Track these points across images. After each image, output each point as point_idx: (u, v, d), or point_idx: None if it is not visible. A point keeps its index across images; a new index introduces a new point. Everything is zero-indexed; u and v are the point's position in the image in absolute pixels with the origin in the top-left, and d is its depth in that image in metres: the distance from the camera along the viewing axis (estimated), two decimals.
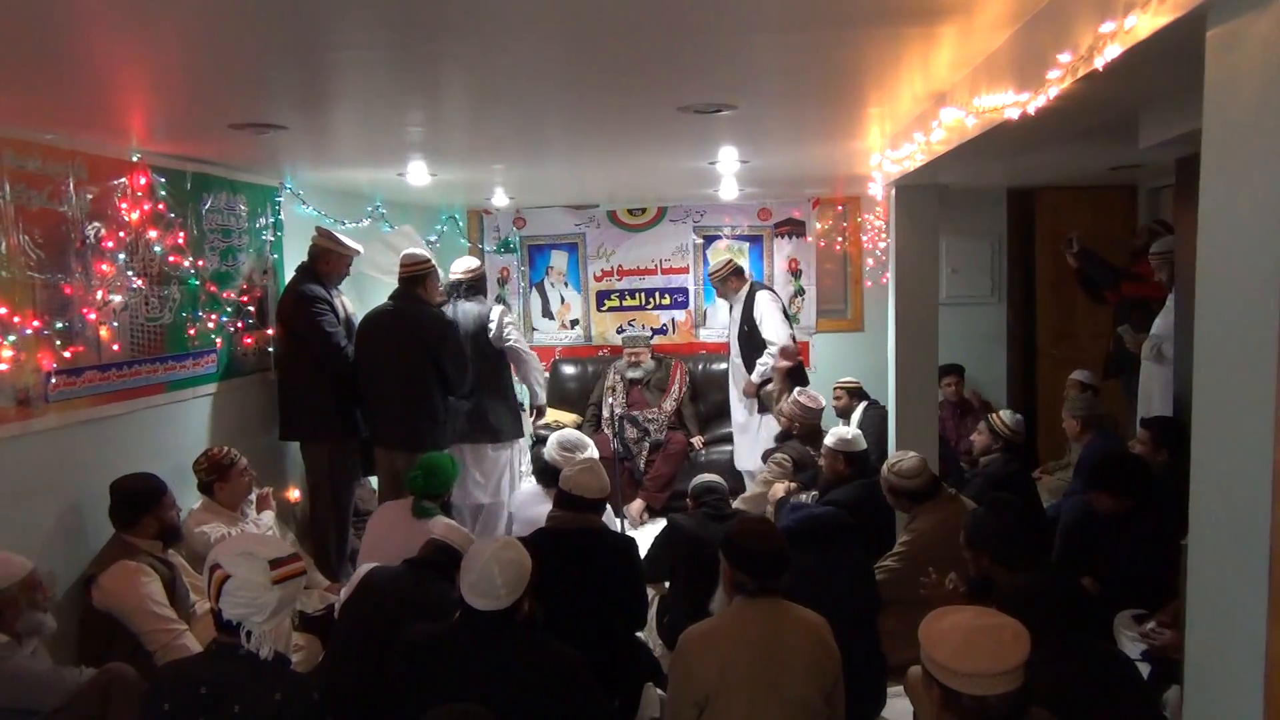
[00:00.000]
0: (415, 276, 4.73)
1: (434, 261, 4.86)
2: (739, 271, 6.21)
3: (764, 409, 5.86)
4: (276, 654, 2.26)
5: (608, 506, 4.27)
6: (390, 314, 4.67)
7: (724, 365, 6.67)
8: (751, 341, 5.92)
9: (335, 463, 4.57)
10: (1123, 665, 2.67)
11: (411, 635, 2.55)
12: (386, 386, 4.58)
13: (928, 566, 3.41)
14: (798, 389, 5.56)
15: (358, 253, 4.70)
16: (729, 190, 6.28)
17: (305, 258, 4.63)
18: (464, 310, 5.09)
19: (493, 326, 5.04)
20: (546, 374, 5.42)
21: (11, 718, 2.66)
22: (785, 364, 5.76)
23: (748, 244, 7.21)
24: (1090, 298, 5.93)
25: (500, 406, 5.11)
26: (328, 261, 4.58)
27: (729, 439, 6.42)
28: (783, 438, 5.55)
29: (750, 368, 5.97)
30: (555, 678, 2.44)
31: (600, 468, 3.64)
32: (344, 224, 5.13)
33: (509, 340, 5.11)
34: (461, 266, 5.26)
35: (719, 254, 7.20)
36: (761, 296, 5.95)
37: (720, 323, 7.16)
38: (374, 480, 5.09)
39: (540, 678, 2.42)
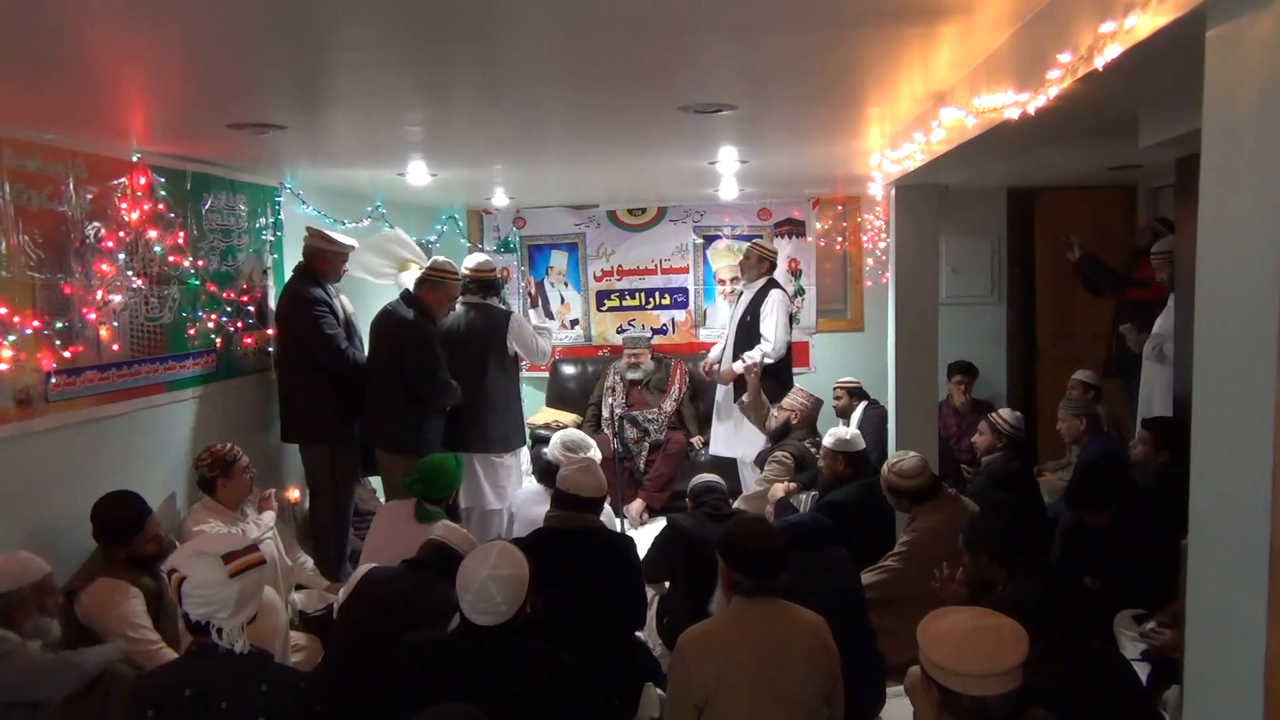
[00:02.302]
0: (420, 279, 4.70)
1: (452, 272, 4.75)
2: (773, 264, 6.19)
3: (739, 400, 5.87)
4: (254, 648, 2.26)
5: (607, 506, 4.27)
6: (386, 314, 4.67)
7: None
8: (750, 332, 5.90)
9: (336, 464, 4.55)
10: (1119, 665, 2.67)
11: (412, 640, 2.54)
12: (373, 386, 4.57)
13: (928, 566, 3.41)
14: (798, 384, 5.65)
15: (353, 248, 4.68)
16: (729, 190, 6.28)
17: (301, 258, 4.61)
18: (471, 315, 4.95)
19: (512, 342, 4.93)
20: (546, 350, 5.29)
21: (17, 712, 2.65)
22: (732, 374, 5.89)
23: (748, 244, 7.21)
24: (1091, 293, 5.93)
25: (509, 417, 5.02)
26: (325, 261, 4.52)
27: None
28: (779, 435, 5.55)
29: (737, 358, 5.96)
30: (556, 686, 2.43)
31: (597, 467, 3.64)
32: (344, 224, 5.12)
33: (527, 351, 4.99)
34: (469, 263, 5.10)
35: (720, 254, 7.23)
36: (775, 294, 5.91)
37: (720, 323, 7.16)
38: (374, 480, 5.10)
39: (541, 686, 2.41)
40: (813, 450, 5.34)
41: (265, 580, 2.42)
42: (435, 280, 4.68)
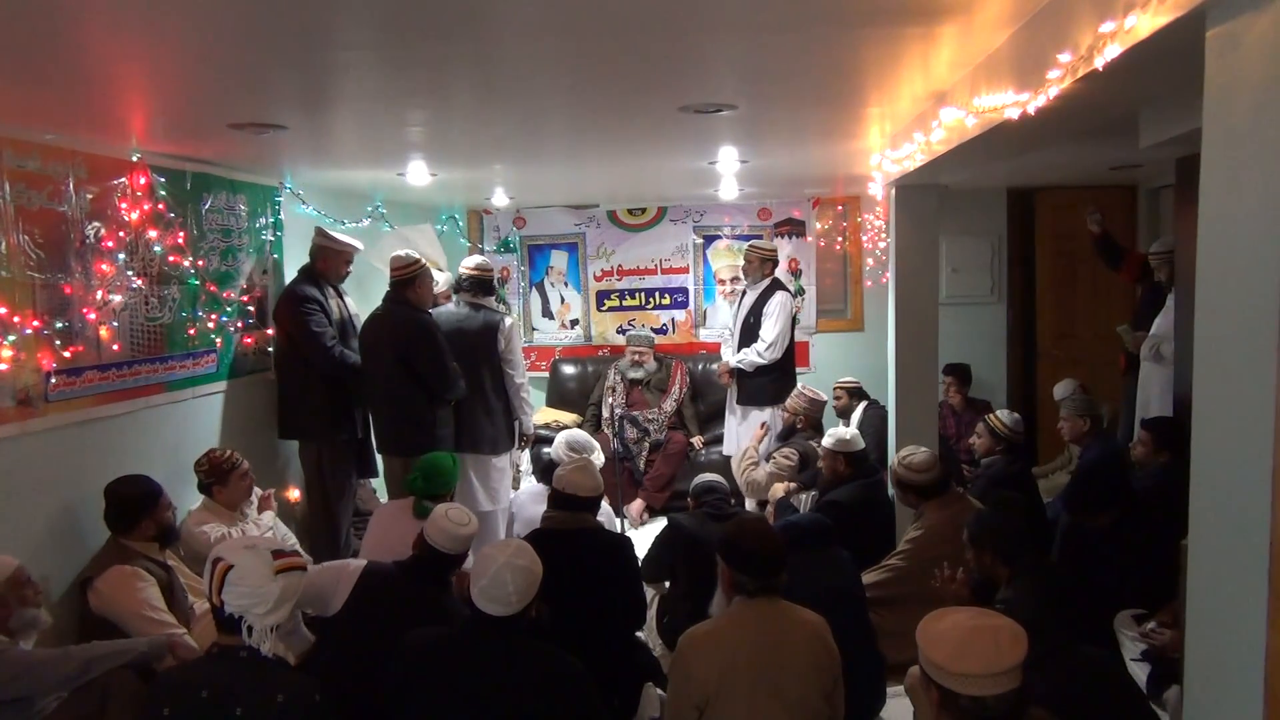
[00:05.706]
0: (403, 280, 4.63)
1: (423, 262, 4.72)
2: (775, 263, 6.18)
3: (744, 400, 5.86)
4: (277, 656, 2.26)
5: (608, 507, 4.27)
6: (378, 318, 4.61)
7: None
8: (753, 335, 5.91)
9: (325, 462, 4.55)
10: (1117, 667, 2.67)
11: (414, 638, 2.53)
12: (377, 392, 4.55)
13: (933, 564, 3.41)
14: (801, 384, 5.61)
15: (356, 249, 4.68)
16: (729, 190, 6.28)
17: (306, 258, 4.64)
18: (466, 313, 4.94)
19: (502, 341, 4.93)
20: (532, 407, 5.26)
21: (10, 710, 2.65)
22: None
23: (748, 244, 7.20)
24: (1108, 265, 5.92)
25: (501, 418, 5.00)
26: (325, 259, 4.60)
27: None
28: (786, 434, 5.55)
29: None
30: (558, 687, 2.43)
31: (593, 466, 3.63)
32: (344, 224, 5.12)
33: (509, 360, 4.98)
34: (469, 263, 5.11)
35: (720, 254, 7.23)
36: (779, 296, 5.89)
37: (721, 322, 7.16)
38: (373, 482, 5.09)
39: (543, 686, 2.41)
40: (817, 449, 5.32)
41: (302, 587, 2.43)
42: (411, 274, 4.63)
